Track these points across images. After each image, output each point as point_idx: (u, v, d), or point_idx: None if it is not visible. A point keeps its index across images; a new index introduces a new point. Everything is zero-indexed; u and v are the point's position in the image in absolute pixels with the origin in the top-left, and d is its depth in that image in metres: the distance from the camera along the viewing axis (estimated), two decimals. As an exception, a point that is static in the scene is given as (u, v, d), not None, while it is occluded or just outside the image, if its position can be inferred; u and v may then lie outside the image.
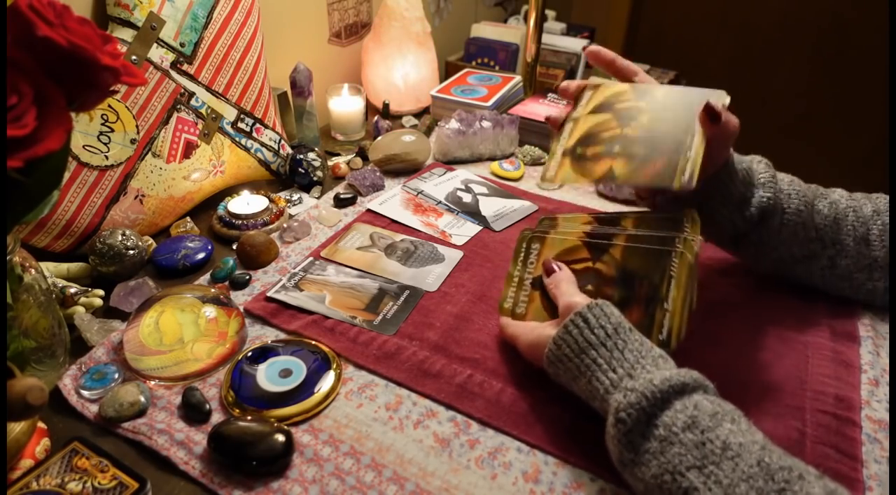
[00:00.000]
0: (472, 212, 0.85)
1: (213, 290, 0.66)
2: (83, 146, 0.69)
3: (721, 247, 0.66)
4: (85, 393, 0.55)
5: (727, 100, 0.56)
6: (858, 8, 1.93)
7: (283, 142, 0.91)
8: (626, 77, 0.62)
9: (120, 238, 0.69)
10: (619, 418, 0.44)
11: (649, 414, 0.43)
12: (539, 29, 1.18)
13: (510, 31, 1.41)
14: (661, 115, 0.57)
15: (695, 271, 0.56)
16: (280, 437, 0.49)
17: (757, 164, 0.62)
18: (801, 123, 2.17)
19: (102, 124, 0.70)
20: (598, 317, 0.50)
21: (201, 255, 0.73)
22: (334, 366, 0.58)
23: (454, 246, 0.78)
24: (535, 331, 0.55)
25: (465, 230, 0.81)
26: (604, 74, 0.64)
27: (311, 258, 0.75)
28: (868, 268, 0.62)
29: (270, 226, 0.80)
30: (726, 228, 0.61)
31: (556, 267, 0.58)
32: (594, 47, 0.62)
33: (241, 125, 0.85)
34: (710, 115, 0.53)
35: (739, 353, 0.61)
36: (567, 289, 0.56)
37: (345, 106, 1.06)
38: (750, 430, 0.42)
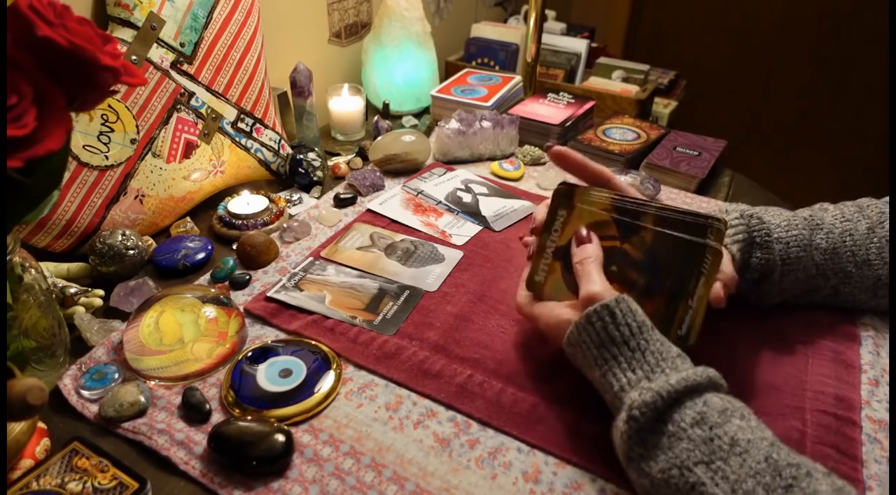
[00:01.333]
0: (472, 212, 0.85)
1: (213, 290, 0.66)
2: (83, 146, 0.69)
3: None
4: (85, 393, 0.55)
5: (724, 232, 0.53)
6: (858, 8, 1.93)
7: (283, 142, 0.91)
8: (597, 183, 0.59)
9: (120, 238, 0.69)
10: (632, 415, 0.44)
11: (661, 412, 0.44)
12: (539, 29, 1.18)
13: (510, 31, 1.41)
14: (663, 241, 0.53)
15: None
16: (280, 437, 0.49)
17: (749, 221, 0.60)
18: (801, 123, 2.17)
19: (102, 124, 0.70)
20: (625, 313, 0.49)
21: (201, 255, 0.73)
22: (334, 366, 0.58)
23: (454, 246, 0.78)
24: (554, 312, 0.54)
25: (465, 230, 0.81)
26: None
27: (311, 258, 0.75)
28: (871, 288, 0.62)
29: (270, 226, 0.80)
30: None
31: (588, 239, 0.54)
32: (558, 148, 0.59)
33: (241, 125, 0.85)
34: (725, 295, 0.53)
35: (739, 353, 0.61)
36: (593, 272, 0.52)
37: (345, 106, 1.06)
38: (759, 427, 0.43)
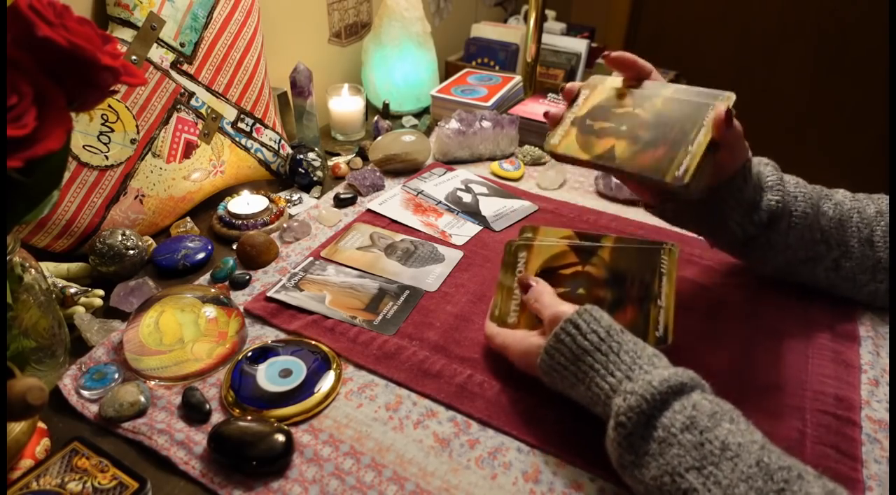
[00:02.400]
0: (472, 212, 0.85)
1: (213, 290, 0.66)
2: (83, 146, 0.69)
3: (729, 253, 0.66)
4: (85, 393, 0.55)
5: (733, 98, 0.55)
6: (859, 8, 1.93)
7: (283, 142, 0.91)
8: (644, 77, 0.61)
9: (120, 238, 0.69)
10: (620, 422, 0.44)
11: (648, 416, 0.43)
12: (539, 29, 1.18)
13: (510, 31, 1.41)
14: (673, 104, 0.56)
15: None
16: (280, 437, 0.49)
17: (764, 167, 0.61)
18: (801, 123, 2.17)
19: (102, 124, 0.70)
20: (589, 322, 0.49)
21: (201, 255, 0.73)
22: (334, 366, 0.58)
23: (454, 246, 0.78)
24: (524, 340, 0.55)
25: (465, 230, 0.81)
26: (605, 75, 0.64)
27: (311, 258, 0.75)
28: (871, 269, 0.62)
29: (270, 226, 0.80)
30: (735, 234, 0.60)
31: (532, 281, 0.57)
32: (616, 54, 0.60)
33: (241, 125, 0.85)
34: (727, 118, 0.52)
35: (739, 353, 0.61)
36: (549, 300, 0.54)
37: (345, 106, 1.06)
38: (749, 430, 0.42)
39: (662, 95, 0.57)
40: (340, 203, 0.87)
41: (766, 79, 2.15)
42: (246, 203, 0.82)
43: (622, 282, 0.57)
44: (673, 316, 0.54)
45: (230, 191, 0.87)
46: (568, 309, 0.52)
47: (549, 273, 0.60)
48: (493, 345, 0.59)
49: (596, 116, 0.58)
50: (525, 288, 0.57)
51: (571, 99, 0.61)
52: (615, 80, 0.61)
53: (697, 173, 0.51)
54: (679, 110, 0.55)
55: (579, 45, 1.43)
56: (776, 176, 0.61)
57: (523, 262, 0.62)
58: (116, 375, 0.56)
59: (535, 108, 1.09)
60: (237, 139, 0.85)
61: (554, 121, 0.61)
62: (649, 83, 0.59)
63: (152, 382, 0.57)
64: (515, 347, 0.55)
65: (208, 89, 0.80)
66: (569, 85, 0.63)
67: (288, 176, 0.91)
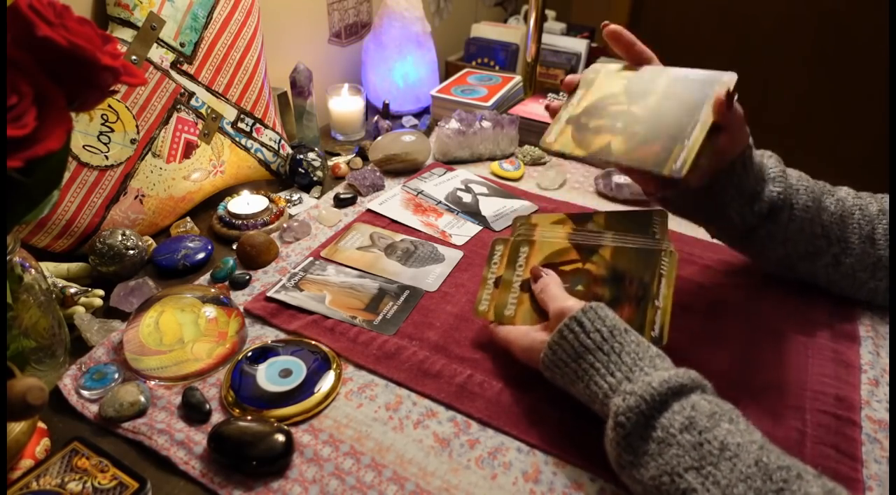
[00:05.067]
0: (472, 212, 0.85)
1: (213, 290, 0.66)
2: (83, 146, 0.69)
3: (728, 244, 0.66)
4: (85, 393, 0.55)
5: (735, 80, 0.55)
6: (858, 8, 1.93)
7: (283, 142, 0.91)
8: (642, 62, 0.61)
9: (120, 238, 0.69)
10: (619, 422, 0.44)
11: (648, 417, 0.43)
12: (539, 29, 1.18)
13: (510, 31, 1.41)
14: (670, 98, 0.56)
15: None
16: (280, 437, 0.49)
17: (767, 159, 0.61)
18: (800, 123, 2.17)
19: (102, 124, 0.70)
20: (593, 320, 0.49)
21: (201, 255, 0.73)
22: (334, 366, 0.58)
23: (454, 246, 0.78)
24: (528, 335, 0.55)
25: (465, 230, 0.81)
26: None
27: (311, 258, 0.75)
28: (872, 267, 0.62)
29: (270, 226, 0.80)
30: (736, 223, 0.61)
31: (543, 272, 0.59)
32: (615, 27, 0.60)
33: (241, 125, 0.85)
34: (727, 101, 0.52)
35: (739, 353, 0.61)
36: (556, 292, 0.55)
37: (345, 106, 1.06)
38: (748, 430, 0.42)
39: (659, 88, 0.57)
40: (340, 203, 0.87)
41: (765, 78, 2.15)
42: (246, 203, 0.82)
43: (621, 281, 0.57)
44: (669, 317, 0.54)
45: (230, 191, 0.87)
46: (574, 304, 0.52)
47: (550, 268, 0.60)
48: (495, 340, 0.59)
49: (591, 114, 0.58)
50: (536, 277, 0.59)
51: (569, 94, 0.62)
52: (615, 66, 0.61)
53: (695, 163, 0.50)
54: (675, 105, 0.55)
55: (579, 45, 1.43)
56: (779, 168, 0.61)
57: (524, 257, 0.63)
58: (116, 375, 0.56)
59: (535, 108, 1.09)
60: (237, 139, 0.85)
61: (555, 112, 0.62)
62: (648, 68, 0.59)
63: (152, 382, 0.57)
64: (519, 343, 0.56)
65: (208, 89, 0.80)
66: (569, 77, 0.63)
67: (288, 176, 0.91)
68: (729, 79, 0.55)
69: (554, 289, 0.56)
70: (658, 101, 0.56)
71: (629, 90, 0.58)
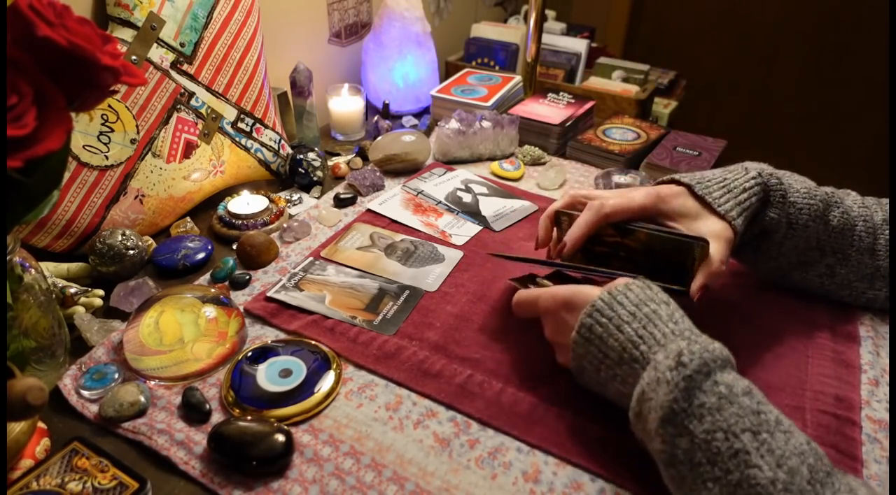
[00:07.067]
0: (472, 212, 0.85)
1: (213, 290, 0.66)
2: (83, 146, 0.69)
3: None
4: (85, 393, 0.55)
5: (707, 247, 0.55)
6: (858, 9, 1.93)
7: (283, 142, 0.91)
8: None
9: (120, 238, 0.69)
10: (681, 361, 0.42)
11: (710, 369, 0.42)
12: (539, 29, 1.18)
13: (510, 31, 1.41)
14: (655, 236, 0.58)
15: None
16: (280, 437, 0.49)
17: (769, 180, 0.59)
18: (800, 124, 2.17)
19: (102, 124, 0.70)
20: (651, 287, 0.50)
21: (201, 255, 0.73)
22: (334, 366, 0.58)
23: (454, 246, 0.78)
24: (573, 289, 0.53)
25: (465, 230, 0.81)
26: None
27: (311, 258, 0.75)
28: (870, 277, 0.62)
29: (270, 226, 0.80)
30: None
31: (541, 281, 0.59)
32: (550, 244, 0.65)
33: (241, 125, 0.85)
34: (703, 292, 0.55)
35: (739, 353, 0.61)
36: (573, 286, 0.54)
37: (345, 106, 1.06)
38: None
39: (642, 230, 0.59)
40: (340, 203, 0.87)
41: (765, 78, 2.15)
42: (246, 203, 0.82)
43: (656, 260, 0.58)
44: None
45: (230, 191, 0.87)
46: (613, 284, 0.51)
47: (592, 238, 0.61)
48: (530, 300, 0.56)
49: (591, 240, 0.61)
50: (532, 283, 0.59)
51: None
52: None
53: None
54: (663, 246, 0.57)
55: (579, 45, 1.43)
56: (780, 191, 0.59)
57: (564, 227, 0.63)
58: (116, 375, 0.56)
59: (535, 108, 1.09)
60: (237, 139, 0.85)
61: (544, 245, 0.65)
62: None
63: (152, 382, 0.57)
64: (561, 293, 0.53)
65: (208, 89, 0.80)
66: (540, 236, 0.65)
67: (288, 176, 0.91)
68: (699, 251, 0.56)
69: (567, 286, 0.55)
70: (646, 240, 0.59)
71: (613, 225, 0.61)
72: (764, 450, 0.39)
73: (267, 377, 0.56)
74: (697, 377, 0.42)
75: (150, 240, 0.76)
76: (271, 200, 0.84)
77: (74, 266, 0.70)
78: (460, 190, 0.90)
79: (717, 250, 0.55)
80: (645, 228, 0.58)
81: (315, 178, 0.90)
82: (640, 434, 0.46)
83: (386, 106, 1.13)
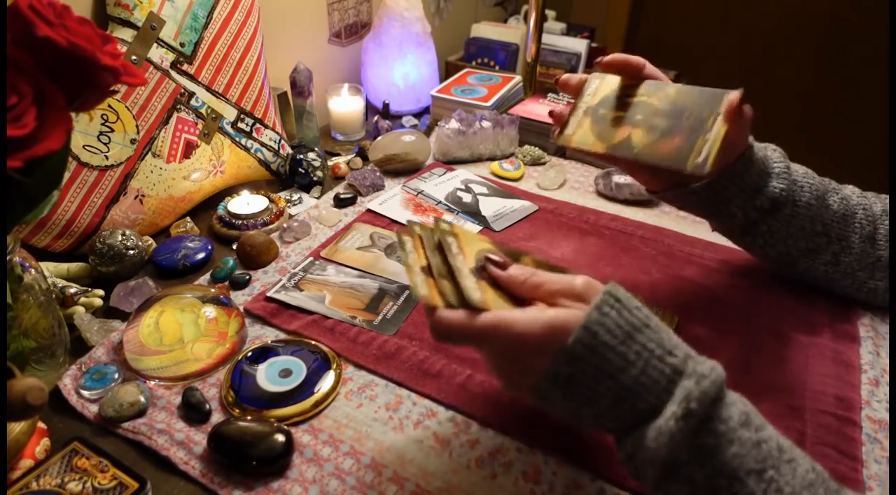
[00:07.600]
0: (472, 212, 0.85)
1: (213, 290, 0.66)
2: (83, 146, 0.69)
3: (729, 238, 0.66)
4: (85, 393, 0.55)
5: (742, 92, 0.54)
6: (859, 9, 1.93)
7: (283, 142, 0.91)
8: (636, 73, 0.60)
9: (120, 238, 0.69)
10: (690, 409, 0.36)
11: (714, 406, 0.37)
12: (539, 29, 1.18)
13: (510, 31, 1.41)
14: (686, 93, 0.55)
15: None
16: (280, 437, 0.49)
17: (771, 152, 0.61)
18: (801, 124, 2.17)
19: (102, 124, 0.70)
20: (628, 298, 0.39)
21: (201, 255, 0.73)
22: (334, 366, 0.58)
23: (454, 246, 0.78)
24: (544, 314, 0.39)
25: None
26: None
27: (311, 258, 0.75)
28: (871, 266, 0.62)
29: (270, 226, 0.80)
30: (737, 218, 0.61)
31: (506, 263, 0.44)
32: (609, 57, 0.58)
33: (241, 125, 0.85)
34: (739, 108, 0.52)
35: (739, 353, 0.61)
36: (553, 275, 0.42)
37: (345, 106, 1.06)
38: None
39: (673, 87, 0.56)
40: (340, 203, 0.87)
41: (765, 79, 2.15)
42: (246, 203, 0.82)
43: (679, 115, 0.55)
44: (718, 149, 0.50)
45: (230, 191, 0.87)
46: (586, 278, 0.41)
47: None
48: (477, 328, 0.40)
49: (609, 106, 0.58)
50: (503, 266, 0.44)
51: (578, 91, 0.60)
52: (614, 79, 0.60)
53: (723, 163, 0.49)
54: (693, 98, 0.54)
55: (579, 45, 1.43)
56: (784, 164, 0.60)
57: (456, 246, 0.46)
58: (116, 375, 0.56)
59: (535, 108, 1.09)
60: (237, 139, 0.85)
61: (559, 119, 0.61)
62: (649, 83, 0.58)
63: (152, 382, 0.57)
64: (525, 324, 0.39)
65: (208, 89, 0.80)
66: (564, 76, 0.61)
67: (288, 176, 0.91)
68: (736, 92, 0.54)
69: (546, 274, 0.43)
70: (676, 94, 0.55)
71: (646, 84, 0.58)
72: (772, 491, 0.36)
73: (267, 377, 0.56)
74: (702, 422, 0.37)
75: (150, 240, 0.76)
76: (271, 200, 0.84)
77: (74, 266, 0.70)
78: (460, 190, 0.90)
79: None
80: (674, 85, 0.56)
81: (315, 178, 0.90)
82: (631, 471, 0.41)
83: (386, 106, 1.13)
